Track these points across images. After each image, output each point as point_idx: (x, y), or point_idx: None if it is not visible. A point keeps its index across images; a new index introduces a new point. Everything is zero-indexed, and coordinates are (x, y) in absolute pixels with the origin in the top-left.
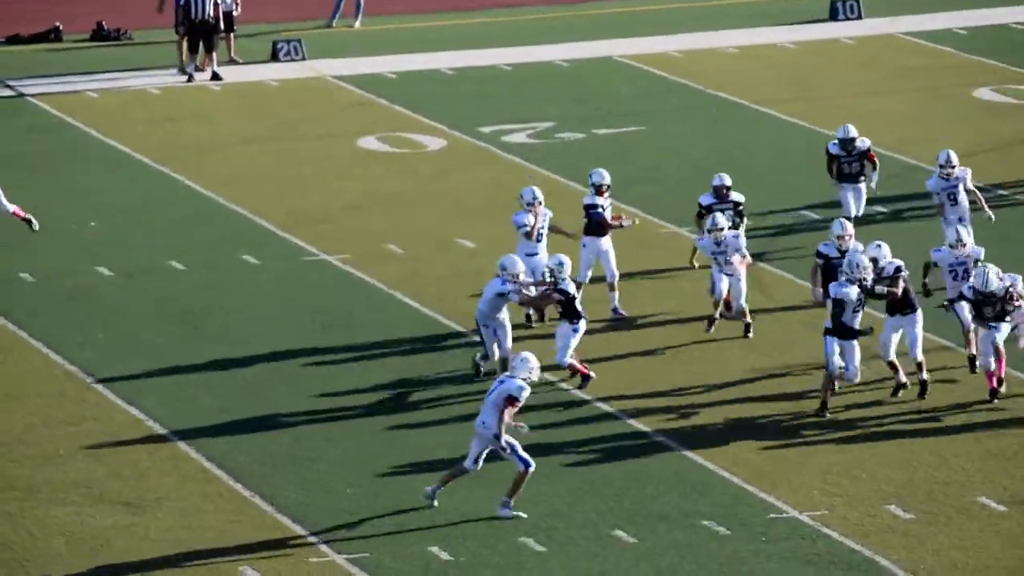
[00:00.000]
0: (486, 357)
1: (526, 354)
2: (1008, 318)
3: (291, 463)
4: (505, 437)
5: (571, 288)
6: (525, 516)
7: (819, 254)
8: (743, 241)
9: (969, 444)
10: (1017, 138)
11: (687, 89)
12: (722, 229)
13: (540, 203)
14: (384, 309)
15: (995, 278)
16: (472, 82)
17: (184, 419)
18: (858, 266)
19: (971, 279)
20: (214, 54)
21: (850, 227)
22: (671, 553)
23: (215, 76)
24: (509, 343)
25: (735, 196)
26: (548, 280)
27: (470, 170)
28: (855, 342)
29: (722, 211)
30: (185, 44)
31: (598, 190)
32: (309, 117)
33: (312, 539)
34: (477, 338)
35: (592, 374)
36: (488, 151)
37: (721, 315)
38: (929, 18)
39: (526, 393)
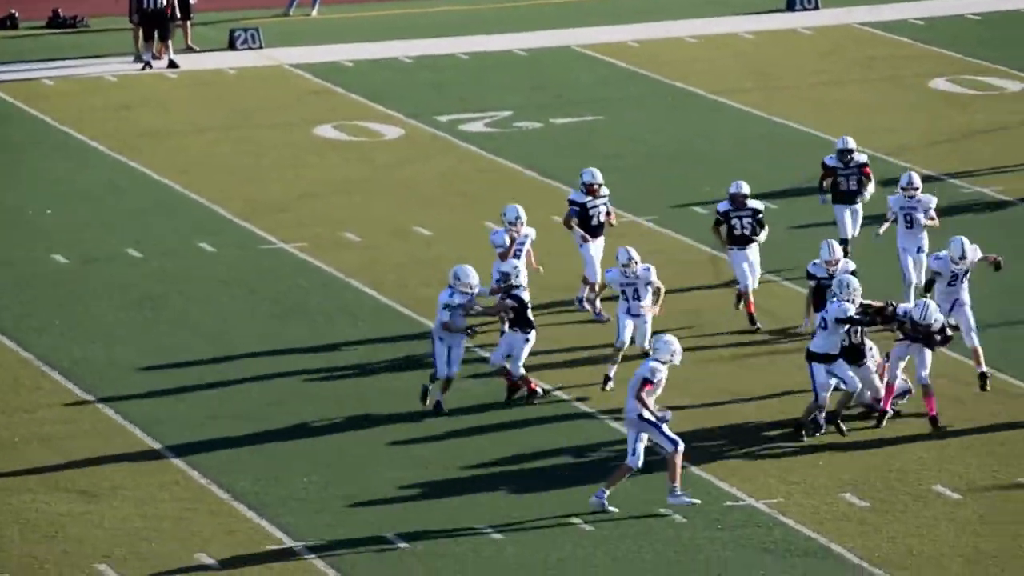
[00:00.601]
0: (434, 378)
1: (668, 337)
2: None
3: (247, 451)
4: (647, 415)
5: (525, 296)
6: (699, 502)
7: (809, 275)
8: (654, 274)
9: (925, 433)
10: (973, 128)
11: (645, 78)
12: (636, 263)
13: (522, 222)
14: (341, 297)
15: (935, 309)
16: (430, 71)
17: (140, 407)
18: (848, 286)
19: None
20: (170, 42)
21: (839, 251)
22: (628, 541)
23: (171, 64)
24: (458, 365)
25: (753, 204)
26: (501, 287)
27: (427, 159)
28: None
29: (740, 219)
30: (140, 32)
31: (588, 189)
32: (266, 105)
33: (268, 527)
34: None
35: (540, 390)
36: (445, 140)
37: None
38: (886, 8)
39: (660, 374)
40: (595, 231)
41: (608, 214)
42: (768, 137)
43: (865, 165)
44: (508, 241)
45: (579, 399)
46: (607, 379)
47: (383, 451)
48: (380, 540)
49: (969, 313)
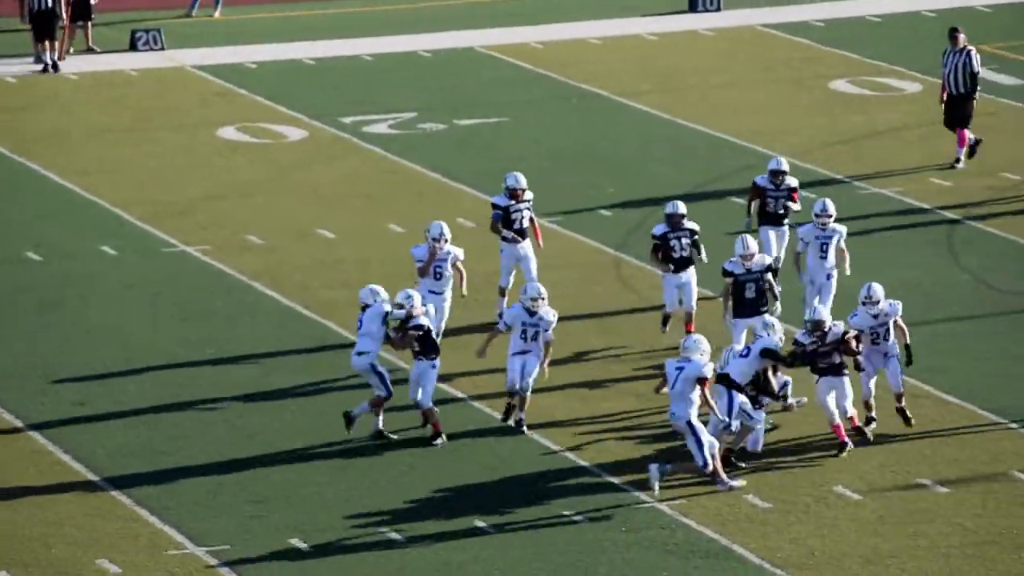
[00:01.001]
0: (388, 397)
1: (696, 336)
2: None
3: (149, 455)
4: (697, 424)
5: (424, 322)
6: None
7: (725, 272)
8: (555, 321)
9: (824, 435)
10: (873, 129)
11: (549, 80)
12: (544, 298)
13: (446, 239)
14: (244, 300)
15: (825, 311)
16: (333, 72)
17: (41, 411)
18: (773, 326)
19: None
20: (56, 43)
21: (753, 244)
22: (532, 543)
23: (54, 66)
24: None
25: (690, 224)
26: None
27: (331, 160)
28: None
29: (679, 239)
30: (32, 34)
31: (511, 193)
32: (169, 107)
33: (170, 531)
34: (375, 378)
35: (442, 439)
36: (349, 141)
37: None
38: (787, 10)
39: (710, 369)
40: (518, 234)
41: (532, 221)
42: (672, 139)
43: (795, 190)
44: (428, 256)
45: (479, 398)
46: (520, 423)
47: (286, 455)
48: (283, 545)
49: (899, 368)
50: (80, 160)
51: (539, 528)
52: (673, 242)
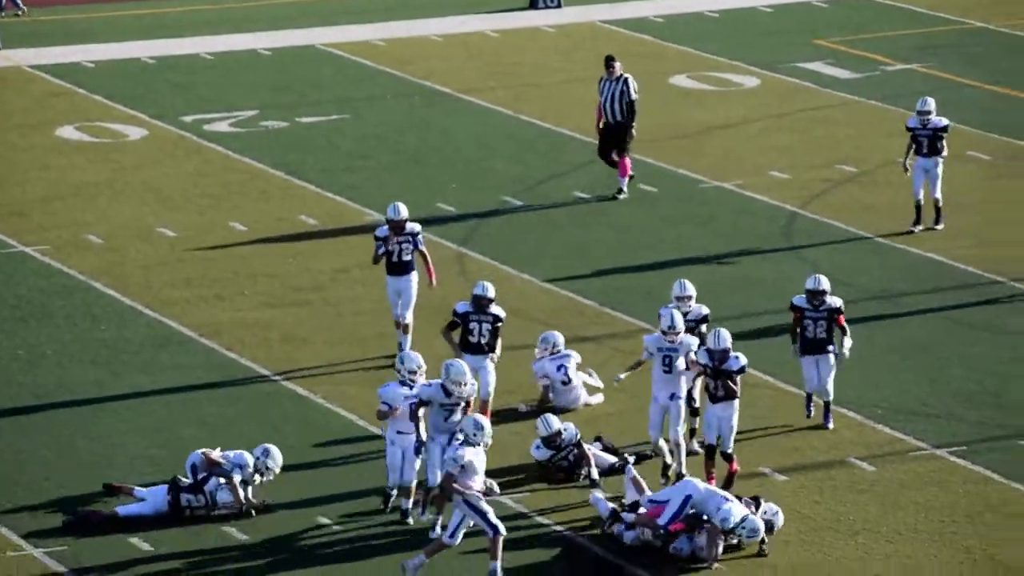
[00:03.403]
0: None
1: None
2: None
3: None
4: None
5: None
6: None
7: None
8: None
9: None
10: (713, 124)
11: (391, 77)
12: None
13: (423, 370)
14: (85, 300)
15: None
16: (173, 71)
17: None
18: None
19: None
20: None
21: (690, 287)
22: (370, 532)
23: None
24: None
25: (496, 310)
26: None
27: (172, 160)
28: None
29: (479, 323)
30: None
31: (389, 225)
32: (5, 107)
33: (8, 533)
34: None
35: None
36: (191, 140)
37: None
38: (626, 6)
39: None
40: (396, 268)
41: (424, 257)
42: (514, 135)
43: (838, 312)
44: (405, 392)
45: (329, 399)
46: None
47: (125, 455)
48: (123, 543)
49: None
50: None
51: (382, 519)
52: (472, 324)
